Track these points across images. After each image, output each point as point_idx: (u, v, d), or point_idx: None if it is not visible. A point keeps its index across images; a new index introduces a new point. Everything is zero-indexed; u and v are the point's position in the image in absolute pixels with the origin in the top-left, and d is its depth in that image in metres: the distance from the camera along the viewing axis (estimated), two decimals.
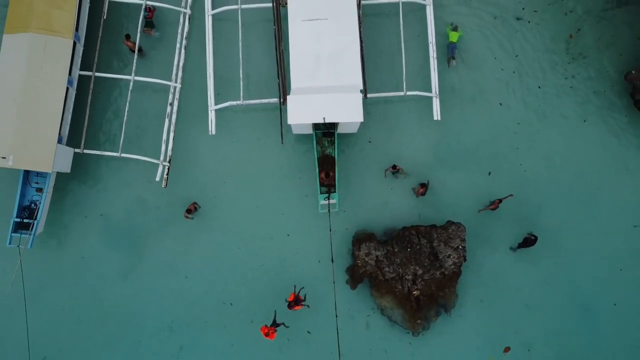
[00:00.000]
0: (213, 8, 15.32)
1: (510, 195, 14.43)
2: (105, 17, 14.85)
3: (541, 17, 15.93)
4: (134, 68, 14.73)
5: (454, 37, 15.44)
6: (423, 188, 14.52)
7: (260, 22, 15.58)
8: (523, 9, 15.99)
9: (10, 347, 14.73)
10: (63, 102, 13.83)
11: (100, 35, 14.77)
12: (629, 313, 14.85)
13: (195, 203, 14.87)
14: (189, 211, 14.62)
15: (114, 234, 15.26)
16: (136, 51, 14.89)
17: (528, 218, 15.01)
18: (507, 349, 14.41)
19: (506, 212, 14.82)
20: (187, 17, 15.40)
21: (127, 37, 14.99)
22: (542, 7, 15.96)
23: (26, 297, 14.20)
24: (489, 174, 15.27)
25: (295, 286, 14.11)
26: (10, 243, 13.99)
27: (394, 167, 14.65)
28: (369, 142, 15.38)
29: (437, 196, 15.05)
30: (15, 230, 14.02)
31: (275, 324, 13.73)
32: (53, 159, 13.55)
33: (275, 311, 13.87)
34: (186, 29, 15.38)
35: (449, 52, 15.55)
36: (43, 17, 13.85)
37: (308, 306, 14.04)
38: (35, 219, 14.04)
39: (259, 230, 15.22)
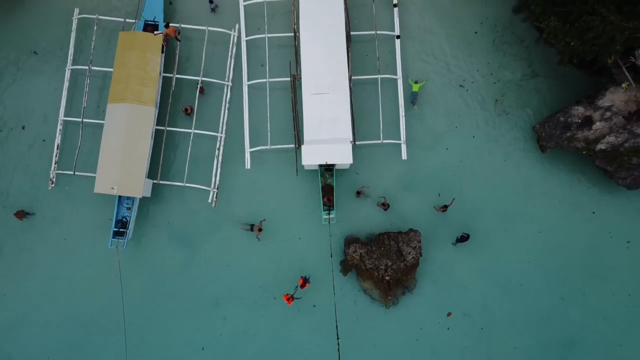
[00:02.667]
0: (248, 80, 21.84)
1: (454, 199, 21.01)
2: (173, 89, 21.31)
3: (477, 86, 22.60)
4: (193, 124, 21.23)
5: (415, 88, 22.01)
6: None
7: (281, 90, 22.01)
8: (464, 80, 22.68)
9: (108, 317, 21.20)
10: (149, 149, 20.29)
11: (170, 101, 21.22)
12: (534, 293, 21.59)
13: (261, 223, 20.89)
14: (259, 230, 20.81)
15: (177, 238, 21.75)
16: (195, 113, 21.35)
17: (465, 224, 21.69)
18: (449, 314, 21.24)
19: (450, 222, 21.55)
20: (229, 87, 21.89)
21: (186, 109, 21.39)
22: (477, 78, 22.63)
23: (122, 281, 20.74)
24: (439, 195, 21.93)
25: (306, 276, 20.74)
26: (111, 245, 20.51)
27: (359, 192, 21.27)
28: (356, 174, 21.98)
29: (402, 211, 21.72)
30: (114, 237, 20.53)
31: (293, 296, 20.30)
32: (142, 188, 20.02)
33: (296, 287, 20.41)
34: (228, 96, 21.87)
35: (411, 98, 22.15)
36: (135, 93, 20.26)
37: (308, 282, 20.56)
38: (127, 228, 20.54)
39: (279, 234, 21.70)
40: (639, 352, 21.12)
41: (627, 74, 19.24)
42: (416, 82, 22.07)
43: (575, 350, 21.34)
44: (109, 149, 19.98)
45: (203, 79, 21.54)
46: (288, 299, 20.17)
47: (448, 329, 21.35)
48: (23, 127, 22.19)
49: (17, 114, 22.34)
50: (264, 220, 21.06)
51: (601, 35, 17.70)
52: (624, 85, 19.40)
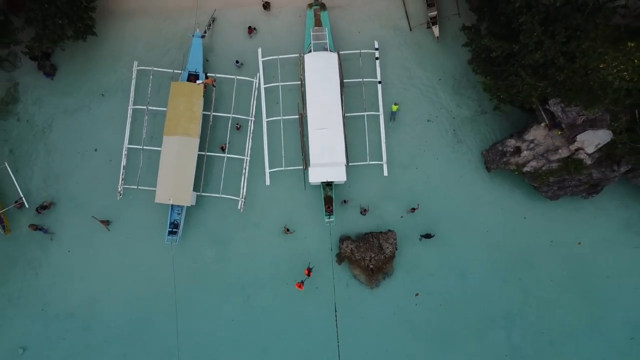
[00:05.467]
0: (267, 117, 28.81)
1: (419, 204, 28.07)
2: (211, 124, 28.30)
3: (440, 120, 29.68)
4: (226, 151, 28.20)
5: (394, 108, 29.00)
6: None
7: (292, 124, 28.93)
8: (430, 114, 29.77)
9: (163, 297, 28.06)
10: (194, 169, 27.21)
11: (208, 133, 28.18)
12: (482, 278, 28.64)
13: (286, 227, 27.96)
14: (287, 230, 27.90)
15: (213, 236, 28.68)
16: (226, 149, 28.29)
17: (430, 226, 28.70)
18: (417, 294, 28.32)
19: (418, 224, 28.59)
20: (252, 122, 28.89)
21: (222, 147, 28.34)
22: (440, 114, 29.68)
23: (174, 268, 27.69)
24: (418, 205, 29.06)
25: (309, 264, 27.70)
26: (166, 242, 27.44)
27: (344, 201, 28.34)
28: (349, 187, 28.99)
29: (383, 215, 28.76)
30: (168, 235, 27.45)
31: (303, 282, 27.28)
32: (190, 198, 26.97)
33: (306, 278, 27.34)
34: (252, 128, 28.85)
35: (391, 116, 29.11)
36: (184, 128, 27.19)
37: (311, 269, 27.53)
38: (178, 229, 27.48)
39: (290, 234, 28.70)
40: (557, 320, 28.30)
41: (544, 116, 26.41)
42: (395, 104, 29.11)
43: (513, 319, 28.49)
44: (165, 170, 26.91)
45: (233, 115, 28.54)
46: (299, 285, 27.11)
47: (416, 305, 28.46)
48: (95, 150, 29.09)
49: (90, 141, 29.24)
50: (285, 225, 28.34)
51: (521, 91, 24.88)
52: (542, 124, 26.60)
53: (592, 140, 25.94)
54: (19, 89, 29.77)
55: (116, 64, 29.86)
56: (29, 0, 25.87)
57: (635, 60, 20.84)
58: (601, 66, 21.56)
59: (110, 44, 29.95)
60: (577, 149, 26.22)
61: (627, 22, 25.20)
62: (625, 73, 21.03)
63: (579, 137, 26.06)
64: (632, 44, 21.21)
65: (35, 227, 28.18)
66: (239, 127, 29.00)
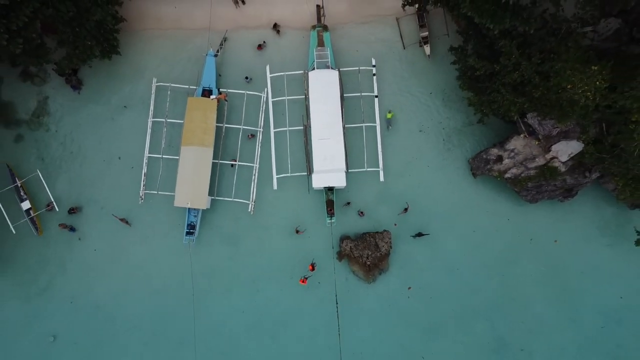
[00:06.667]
0: (274, 128, 31.81)
1: (407, 205, 31.16)
2: (223, 134, 31.32)
3: (431, 130, 32.69)
4: (237, 160, 31.21)
5: (389, 115, 32.08)
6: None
7: (297, 134, 31.91)
8: (422, 125, 32.82)
9: (180, 290, 31.08)
10: (209, 176, 30.22)
11: (221, 143, 31.19)
12: (469, 273, 31.72)
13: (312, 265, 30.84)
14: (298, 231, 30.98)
15: (226, 236, 31.71)
16: (236, 164, 31.29)
17: (422, 227, 31.81)
18: (409, 288, 31.38)
19: (411, 225, 31.65)
20: (260, 132, 31.91)
21: (232, 164, 31.38)
22: (431, 125, 32.73)
23: (191, 265, 30.75)
24: (407, 205, 32.10)
25: (313, 260, 30.75)
26: (184, 242, 30.49)
27: (348, 203, 31.40)
28: (348, 191, 32.02)
29: (379, 217, 31.82)
30: (186, 235, 30.48)
31: (306, 277, 30.34)
32: (205, 202, 29.99)
33: (310, 274, 30.37)
34: (260, 138, 31.88)
35: (387, 123, 32.14)
36: (199, 138, 30.20)
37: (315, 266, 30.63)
38: (195, 230, 30.51)
39: (296, 234, 31.71)
40: (536, 311, 31.44)
41: (523, 128, 29.49)
42: (389, 112, 32.19)
43: (496, 310, 31.58)
44: (183, 177, 29.95)
45: (244, 127, 31.55)
46: (303, 281, 30.16)
47: (409, 297, 31.56)
48: (119, 158, 32.11)
49: (113, 149, 32.25)
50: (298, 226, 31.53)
51: (502, 106, 27.95)
52: (522, 135, 29.68)
53: (565, 150, 29.03)
54: (48, 102, 32.78)
55: (137, 80, 32.85)
56: (61, 24, 28.79)
57: (597, 82, 23.92)
58: (569, 87, 24.63)
59: (131, 61, 32.92)
60: (552, 158, 29.31)
61: (596, 44, 28.33)
62: (589, 93, 24.11)
63: (553, 147, 29.15)
64: (596, 68, 24.29)
65: (65, 226, 31.17)
66: (251, 136, 32.04)
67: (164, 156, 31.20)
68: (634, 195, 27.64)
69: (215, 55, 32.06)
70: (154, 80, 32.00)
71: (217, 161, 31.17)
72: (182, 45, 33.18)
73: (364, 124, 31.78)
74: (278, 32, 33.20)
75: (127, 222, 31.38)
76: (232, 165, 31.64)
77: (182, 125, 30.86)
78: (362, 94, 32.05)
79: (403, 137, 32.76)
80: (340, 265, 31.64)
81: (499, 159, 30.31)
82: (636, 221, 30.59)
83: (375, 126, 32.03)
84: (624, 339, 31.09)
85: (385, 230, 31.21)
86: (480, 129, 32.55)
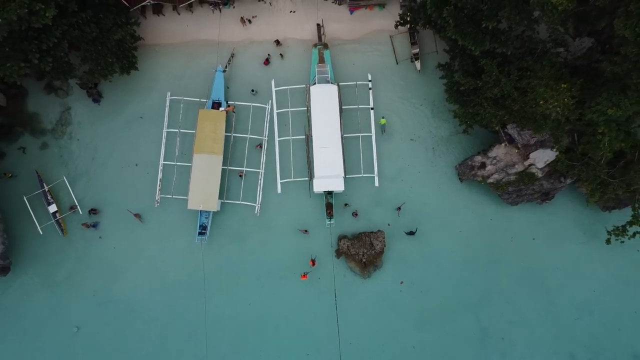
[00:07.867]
0: (278, 137, 34.82)
1: (403, 203, 34.18)
2: (232, 143, 34.30)
3: (421, 139, 35.71)
4: (244, 167, 34.21)
5: (383, 122, 35.10)
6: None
7: (299, 142, 34.91)
8: (414, 134, 35.87)
9: (193, 285, 34.07)
10: (219, 181, 33.21)
11: (230, 151, 34.20)
12: (455, 269, 34.75)
13: (313, 260, 33.96)
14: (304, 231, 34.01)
15: (233, 236, 34.70)
16: (243, 175, 34.29)
17: (413, 226, 34.87)
18: (402, 282, 34.43)
19: (403, 225, 34.68)
20: (265, 141, 34.92)
21: (240, 175, 34.37)
22: (421, 134, 35.80)
23: (203, 262, 33.73)
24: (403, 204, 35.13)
25: (312, 256, 33.76)
26: (197, 241, 33.47)
27: (346, 204, 34.42)
28: (346, 195, 35.05)
29: (373, 218, 34.88)
30: (198, 235, 33.47)
31: (306, 274, 33.37)
32: (216, 205, 32.99)
33: (310, 270, 33.40)
34: (265, 146, 34.89)
35: (382, 129, 35.12)
36: (210, 147, 33.23)
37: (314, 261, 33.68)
38: (206, 230, 33.50)
39: (298, 234, 34.64)
40: (516, 304, 34.48)
41: (504, 137, 32.58)
42: (382, 118, 35.21)
43: (480, 304, 34.62)
44: (196, 182, 32.96)
45: (250, 136, 34.56)
46: (304, 276, 33.19)
47: (401, 291, 34.62)
48: (136, 164, 35.08)
49: (130, 157, 35.22)
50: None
51: (484, 117, 31.01)
52: (503, 144, 32.77)
53: (542, 157, 32.14)
54: (70, 113, 35.79)
55: (152, 92, 35.87)
56: (85, 43, 31.75)
57: (566, 99, 27.00)
58: (541, 102, 27.72)
59: (147, 76, 35.91)
60: (530, 165, 32.43)
61: (570, 61, 31.40)
62: (559, 109, 27.20)
63: (531, 155, 32.27)
64: (565, 85, 27.36)
65: (87, 225, 34.12)
66: (259, 146, 35.05)
67: (177, 163, 34.19)
68: (603, 198, 30.67)
69: (224, 71, 35.09)
70: (168, 94, 34.94)
71: (226, 167, 34.17)
72: (193, 60, 36.17)
73: (360, 134, 34.79)
74: (278, 42, 36.15)
75: (140, 219, 34.23)
76: (240, 175, 34.62)
77: (194, 135, 33.86)
78: (359, 106, 35.05)
79: (396, 146, 35.80)
80: (338, 262, 34.64)
81: (483, 165, 33.40)
82: (607, 222, 33.60)
83: (371, 136, 34.98)
84: (596, 329, 34.20)
85: (379, 230, 34.27)
86: (466, 137, 35.54)
